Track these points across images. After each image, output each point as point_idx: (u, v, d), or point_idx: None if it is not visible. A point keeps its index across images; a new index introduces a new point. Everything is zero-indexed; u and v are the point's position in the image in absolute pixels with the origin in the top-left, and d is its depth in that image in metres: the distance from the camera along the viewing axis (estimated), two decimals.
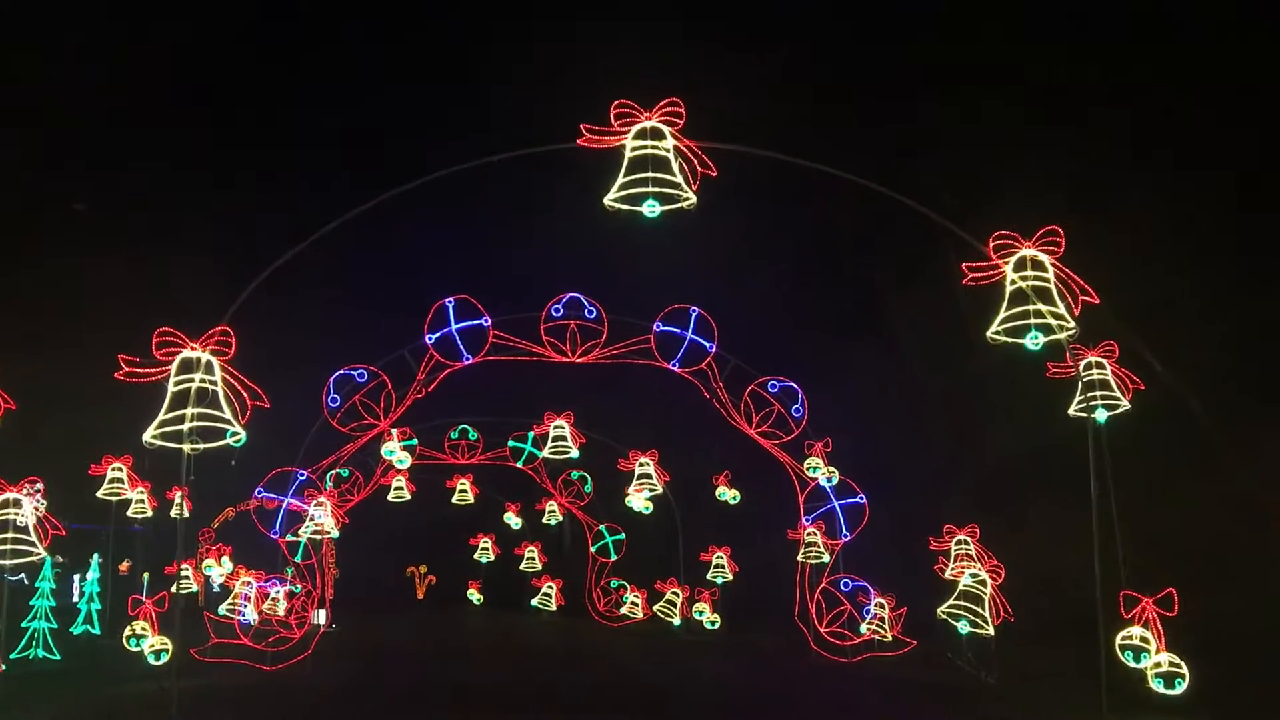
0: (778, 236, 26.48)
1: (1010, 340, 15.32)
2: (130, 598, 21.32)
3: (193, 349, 13.88)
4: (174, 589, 35.73)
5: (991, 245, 15.17)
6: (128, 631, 20.98)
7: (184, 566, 36.35)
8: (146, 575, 47.18)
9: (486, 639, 33.93)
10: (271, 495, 24.05)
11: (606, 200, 14.63)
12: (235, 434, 13.98)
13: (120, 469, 30.14)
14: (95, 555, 34.97)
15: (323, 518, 28.26)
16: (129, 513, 33.75)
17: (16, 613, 28.31)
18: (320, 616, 35.82)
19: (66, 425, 32.15)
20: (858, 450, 26.12)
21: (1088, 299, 15.17)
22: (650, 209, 14.56)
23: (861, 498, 25.16)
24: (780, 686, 22.19)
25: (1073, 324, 15.17)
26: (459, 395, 31.92)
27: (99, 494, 30.18)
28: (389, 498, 37.21)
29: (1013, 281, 15.15)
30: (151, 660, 20.28)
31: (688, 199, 14.67)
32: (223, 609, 27.70)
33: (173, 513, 36.13)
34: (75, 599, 42.20)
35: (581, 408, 29.01)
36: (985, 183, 19.72)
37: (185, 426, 13.64)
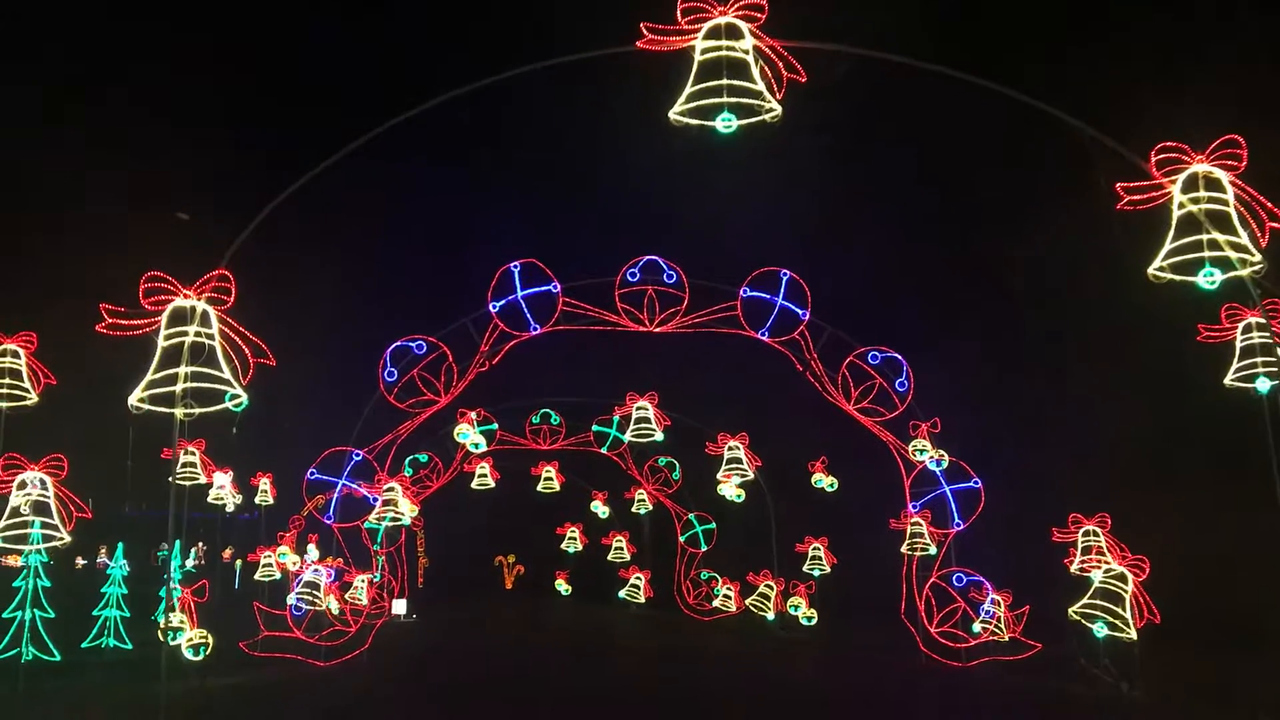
0: (880, 174, 22.77)
1: (1178, 279, 11.94)
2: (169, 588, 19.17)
3: (185, 297, 11.40)
4: (256, 575, 34.11)
5: (1154, 160, 11.81)
6: (164, 623, 18.82)
7: (267, 554, 34.77)
8: (239, 563, 46.08)
9: (565, 635, 31.29)
10: (349, 482, 21.72)
11: (673, 113, 11.73)
12: (235, 397, 11.48)
13: (193, 453, 28.33)
14: (177, 542, 33.25)
15: (400, 503, 26.11)
16: (209, 499, 32.20)
17: (90, 600, 26.87)
18: (400, 606, 33.85)
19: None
20: (970, 429, 22.70)
21: (1278, 226, 11.72)
22: (725, 123, 11.61)
23: (976, 482, 21.76)
24: (889, 695, 19.01)
25: (1259, 257, 11.72)
26: (537, 375, 29.48)
27: (171, 479, 28.43)
28: (473, 485, 34.87)
29: (1181, 205, 11.79)
30: (190, 655, 18.12)
31: (770, 110, 11.66)
32: (290, 599, 25.65)
33: (257, 499, 34.74)
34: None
35: (665, 387, 26.12)
36: (1144, 88, 16.03)
37: (178, 388, 11.17)
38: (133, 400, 11.32)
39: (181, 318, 11.35)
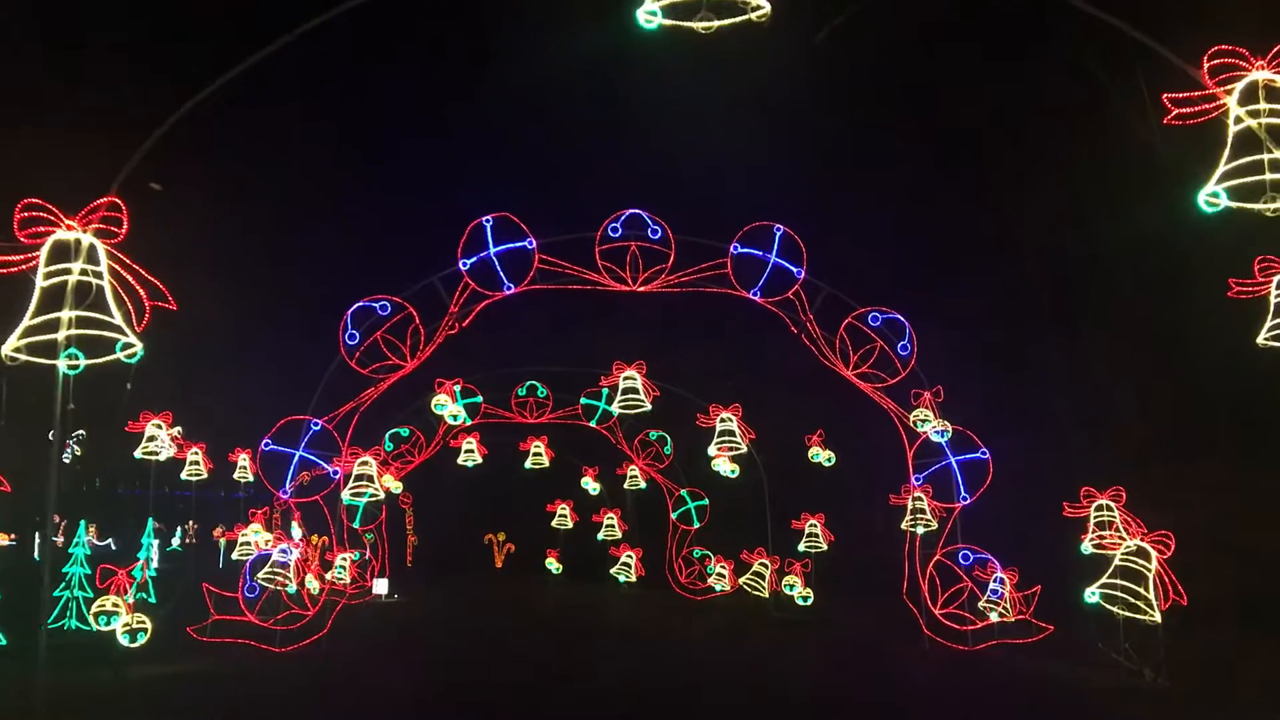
0: (880, 119, 20.56)
1: (1234, 205, 10.01)
2: (100, 567, 17.32)
3: (69, 229, 9.48)
4: (234, 555, 32.26)
5: (1207, 67, 9.87)
6: (96, 608, 17.00)
7: (245, 531, 32.96)
8: (224, 542, 44.30)
9: (550, 616, 29.39)
10: (307, 455, 19.79)
11: (642, 11, 9.78)
12: (128, 347, 9.57)
13: (159, 426, 26.43)
14: (150, 520, 31.46)
15: (374, 479, 24.29)
16: (183, 475, 30.43)
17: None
18: (382, 586, 32.03)
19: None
20: (975, 395, 20.79)
21: None
22: (704, 23, 9.66)
23: (984, 453, 19.87)
24: (890, 680, 17.16)
25: None
26: (519, 343, 27.69)
27: (136, 454, 26.56)
28: (459, 461, 33.03)
29: (1238, 119, 9.86)
30: (125, 641, 16.28)
31: (758, 8, 9.72)
32: (258, 578, 23.86)
33: (235, 475, 32.86)
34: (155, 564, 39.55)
35: (654, 356, 24.19)
36: None
37: (60, 335, 9.28)
38: (6, 349, 9.42)
39: (64, 253, 9.43)
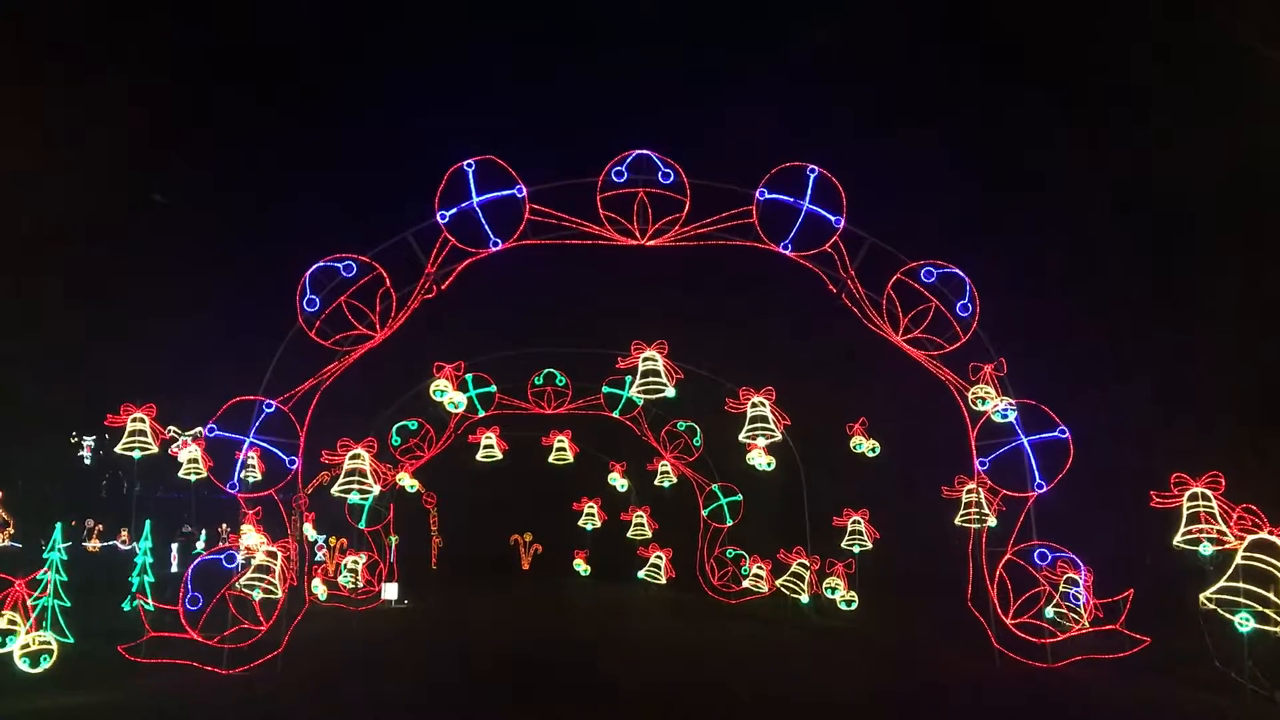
0: (933, 36, 16.91)
1: None
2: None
3: None
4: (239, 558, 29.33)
5: None
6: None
7: (244, 531, 29.79)
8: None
9: (571, 621, 25.93)
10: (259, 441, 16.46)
11: None
12: None
13: (142, 420, 23.53)
14: (148, 522, 28.55)
15: (368, 475, 21.18)
16: (180, 474, 27.65)
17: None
18: (391, 591, 28.94)
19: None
20: (1044, 363, 17.14)
21: None
22: None
23: (1063, 431, 16.17)
24: (957, 707, 13.56)
25: None
26: (528, 323, 24.55)
27: (118, 449, 23.71)
28: (478, 457, 29.82)
29: None
30: (25, 666, 13.16)
31: None
32: (241, 583, 20.75)
33: (242, 474, 29.96)
34: (173, 569, 36.96)
35: (675, 333, 20.78)
36: None
37: None
38: None
39: None
